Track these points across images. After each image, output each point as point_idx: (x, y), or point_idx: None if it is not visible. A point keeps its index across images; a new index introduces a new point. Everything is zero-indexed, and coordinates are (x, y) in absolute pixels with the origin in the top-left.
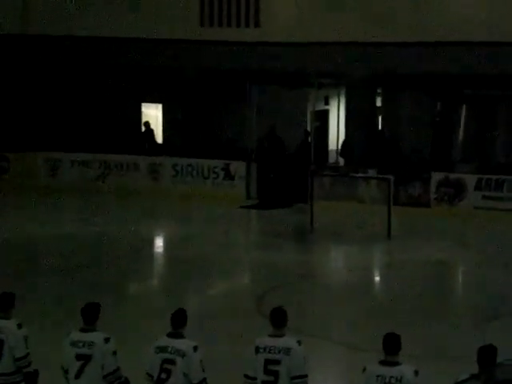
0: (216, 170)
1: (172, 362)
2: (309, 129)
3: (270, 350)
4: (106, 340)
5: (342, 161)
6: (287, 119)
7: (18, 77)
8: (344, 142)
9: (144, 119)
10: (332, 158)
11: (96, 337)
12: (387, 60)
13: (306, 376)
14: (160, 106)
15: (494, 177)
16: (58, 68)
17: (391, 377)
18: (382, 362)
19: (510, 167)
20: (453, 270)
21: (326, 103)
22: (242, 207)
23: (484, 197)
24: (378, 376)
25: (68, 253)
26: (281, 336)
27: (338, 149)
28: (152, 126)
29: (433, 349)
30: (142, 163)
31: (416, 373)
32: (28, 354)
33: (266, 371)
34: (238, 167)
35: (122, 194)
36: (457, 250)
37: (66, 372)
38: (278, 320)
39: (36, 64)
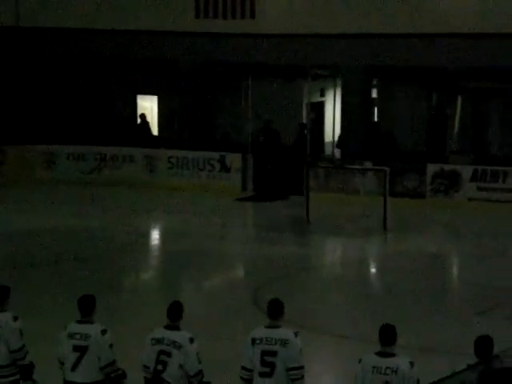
0: (212, 162)
1: (168, 353)
2: (304, 121)
3: (267, 341)
4: (103, 332)
5: (338, 153)
6: (283, 111)
7: (12, 70)
8: (340, 134)
9: (139, 111)
10: (328, 150)
11: (93, 329)
12: (383, 52)
13: (302, 367)
14: (155, 98)
15: (490, 168)
16: (53, 60)
17: (387, 367)
18: (378, 353)
19: (506, 159)
20: (448, 262)
21: (322, 95)
22: (237, 199)
23: (479, 188)
24: (373, 367)
25: (63, 245)
26: (277, 327)
27: (333, 141)
28: (147, 119)
29: (429, 340)
30: (137, 155)
31: (411, 364)
32: (23, 346)
33: (263, 362)
34: (234, 159)
35: (117, 186)
36: (452, 242)
37: (62, 364)
38: (275, 311)
39: (31, 57)
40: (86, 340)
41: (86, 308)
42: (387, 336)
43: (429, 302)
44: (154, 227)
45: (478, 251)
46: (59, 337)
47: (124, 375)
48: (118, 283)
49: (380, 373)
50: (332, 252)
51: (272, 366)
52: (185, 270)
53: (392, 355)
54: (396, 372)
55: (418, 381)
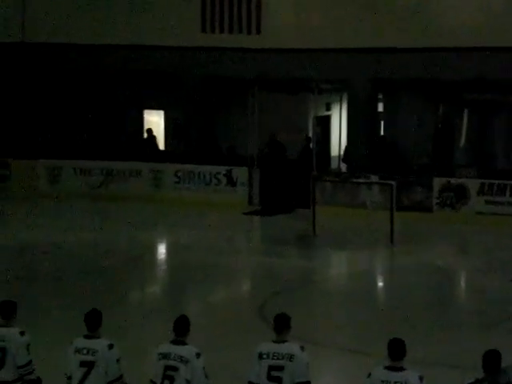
0: (218, 176)
1: (175, 368)
2: (310, 135)
3: (274, 356)
4: (110, 347)
5: (344, 166)
6: (289, 125)
7: (19, 84)
8: (346, 148)
9: (146, 126)
10: (334, 164)
11: (100, 344)
12: (388, 66)
13: (309, 382)
14: (162, 113)
15: (497, 182)
16: (59, 75)
17: (396, 382)
18: (387, 368)
19: None
20: (455, 276)
21: (328, 109)
22: (244, 213)
23: (487, 202)
24: (382, 381)
25: (69, 259)
26: (284, 342)
27: (340, 154)
28: (154, 133)
29: (436, 354)
30: (144, 170)
31: (421, 378)
32: (30, 361)
33: (270, 377)
34: (240, 173)
35: (124, 200)
36: (459, 256)
37: (69, 378)
38: (281, 326)
39: (38, 72)
40: (93, 355)
41: (93, 323)
42: (397, 350)
43: (436, 315)
44: (160, 241)
45: (485, 265)
46: (66, 352)
47: None
48: (124, 297)
49: None
50: (338, 265)
51: (279, 380)
52: (191, 284)
53: (401, 369)
54: None
55: None
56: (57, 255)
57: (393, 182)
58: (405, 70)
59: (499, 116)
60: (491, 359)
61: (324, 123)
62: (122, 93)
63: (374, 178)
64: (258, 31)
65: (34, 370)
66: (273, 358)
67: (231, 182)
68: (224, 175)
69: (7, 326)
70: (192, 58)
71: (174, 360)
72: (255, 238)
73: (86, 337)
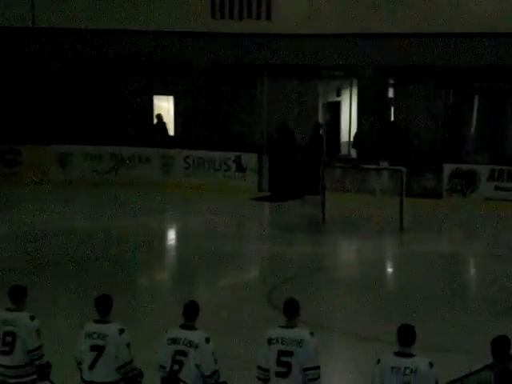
0: (227, 162)
1: (184, 353)
2: (320, 121)
3: (283, 341)
4: (121, 331)
5: (354, 152)
6: (299, 111)
7: (29, 70)
8: (356, 134)
9: (156, 111)
10: (344, 150)
11: (110, 328)
12: (399, 51)
13: (318, 367)
14: (171, 99)
15: (507, 167)
16: (69, 61)
17: (406, 368)
18: (397, 354)
19: None
20: (465, 262)
21: (338, 95)
22: (253, 199)
23: (497, 187)
24: (392, 367)
25: (79, 245)
26: (293, 327)
27: (350, 140)
28: (164, 119)
29: (446, 341)
30: (153, 156)
31: (431, 364)
32: (40, 346)
33: (279, 362)
34: (250, 159)
35: (133, 186)
36: (469, 242)
37: (79, 363)
38: (291, 311)
39: (48, 58)
40: (104, 339)
41: (103, 308)
42: (406, 336)
43: (445, 302)
44: (169, 227)
45: (495, 251)
46: (78, 336)
47: (141, 374)
48: (133, 283)
49: (399, 373)
50: (348, 252)
51: (288, 365)
52: (200, 270)
53: (411, 355)
54: (415, 372)
55: (437, 382)
56: (66, 241)
57: (403, 168)
58: (415, 56)
59: (509, 103)
60: (500, 345)
61: (334, 109)
62: (132, 79)
63: (384, 164)
64: (268, 17)
65: (43, 354)
66: (282, 343)
67: (241, 168)
68: (233, 161)
69: (17, 311)
70: (202, 44)
71: (184, 345)
72: (264, 225)
73: (97, 321)
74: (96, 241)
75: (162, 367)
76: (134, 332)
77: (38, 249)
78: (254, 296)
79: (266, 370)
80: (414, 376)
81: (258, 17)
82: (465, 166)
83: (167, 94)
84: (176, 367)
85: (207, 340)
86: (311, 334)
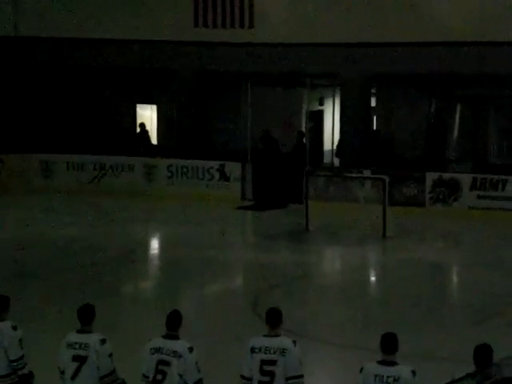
0: (211, 171)
1: (167, 363)
2: (303, 129)
3: (266, 350)
4: (102, 341)
5: (337, 161)
6: (282, 120)
7: (12, 79)
8: (339, 143)
9: (139, 120)
10: (327, 159)
11: (92, 338)
12: (381, 60)
13: (301, 376)
14: (155, 107)
15: (489, 176)
16: (52, 70)
17: (388, 376)
18: (380, 362)
19: (505, 167)
20: (448, 270)
21: (321, 104)
22: (237, 208)
23: (479, 196)
24: (375, 375)
25: (62, 254)
26: (276, 336)
27: (333, 149)
28: (147, 128)
29: (428, 348)
30: (136, 164)
31: (414, 373)
32: (23, 355)
33: (262, 372)
34: (233, 168)
35: (116, 195)
36: (452, 250)
37: (62, 373)
38: (274, 320)
39: (31, 66)
40: (85, 349)
41: (86, 317)
42: (389, 344)
43: (428, 310)
44: (152, 236)
45: (477, 259)
46: (59, 346)
47: None
48: (116, 292)
49: (382, 381)
50: (331, 260)
51: (271, 374)
52: (184, 279)
53: (394, 364)
54: (398, 380)
55: None
56: (49, 250)
57: (385, 177)
58: (397, 65)
59: (492, 111)
60: (482, 353)
61: (317, 118)
62: (115, 87)
63: (367, 173)
64: (251, 25)
65: (26, 364)
66: (265, 352)
67: (224, 177)
68: (217, 170)
69: (0, 321)
70: (185, 53)
71: (167, 354)
72: (248, 233)
73: (79, 331)
74: (78, 250)
75: (145, 377)
76: (117, 341)
77: (19, 258)
78: (238, 304)
79: (249, 379)
80: None
81: (242, 25)
82: (447, 175)
83: (150, 102)
84: (159, 377)
85: (190, 349)
86: (294, 342)
